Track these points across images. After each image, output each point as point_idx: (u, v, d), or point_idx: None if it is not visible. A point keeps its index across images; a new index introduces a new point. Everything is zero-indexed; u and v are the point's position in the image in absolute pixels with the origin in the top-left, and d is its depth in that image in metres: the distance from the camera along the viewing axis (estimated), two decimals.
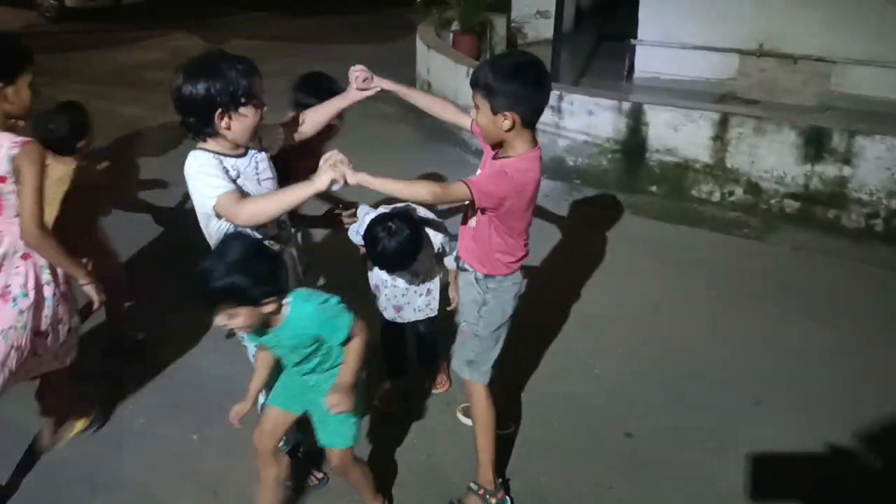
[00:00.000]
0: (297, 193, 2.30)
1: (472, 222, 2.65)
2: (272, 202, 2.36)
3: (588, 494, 2.99)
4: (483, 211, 2.53)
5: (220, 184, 2.33)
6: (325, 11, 13.58)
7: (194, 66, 2.35)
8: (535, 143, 2.51)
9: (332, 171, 2.24)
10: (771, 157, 5.35)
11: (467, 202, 2.53)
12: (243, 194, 2.39)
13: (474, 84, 2.45)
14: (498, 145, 2.54)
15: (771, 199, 5.41)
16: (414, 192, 2.42)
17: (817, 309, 4.28)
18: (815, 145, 5.19)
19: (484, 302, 2.71)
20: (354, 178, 2.26)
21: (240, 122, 2.37)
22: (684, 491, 3.02)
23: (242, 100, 2.34)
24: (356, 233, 3.08)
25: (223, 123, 2.36)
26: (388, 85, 2.80)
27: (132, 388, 3.54)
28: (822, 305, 4.33)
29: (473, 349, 2.78)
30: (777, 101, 6.77)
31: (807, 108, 6.54)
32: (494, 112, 2.41)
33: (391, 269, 3.02)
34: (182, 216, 4.76)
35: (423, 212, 3.10)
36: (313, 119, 2.82)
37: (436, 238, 3.08)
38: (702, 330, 4.09)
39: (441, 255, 3.14)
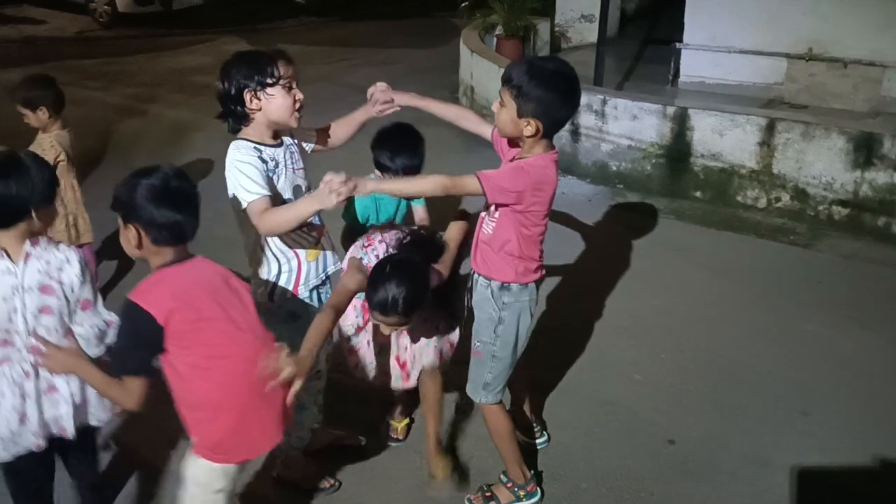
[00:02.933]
0: (306, 209, 2.46)
1: (488, 228, 2.62)
2: (285, 217, 2.49)
3: (629, 501, 2.98)
4: (497, 207, 2.53)
5: (255, 188, 2.47)
6: (374, 16, 13.71)
7: (228, 60, 2.58)
8: (552, 147, 2.52)
9: (332, 195, 2.31)
10: (819, 163, 5.27)
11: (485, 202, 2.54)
12: (273, 199, 2.51)
13: (507, 80, 2.43)
14: (514, 144, 2.56)
15: (819, 205, 5.32)
16: (421, 187, 2.53)
17: (866, 318, 4.20)
18: (864, 151, 5.09)
19: (500, 320, 2.66)
20: (364, 189, 2.38)
21: (269, 102, 2.53)
22: (728, 501, 2.99)
23: (268, 80, 2.51)
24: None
25: (254, 104, 2.53)
26: (406, 100, 2.86)
27: None
28: (872, 315, 4.24)
29: (491, 371, 2.73)
30: (826, 107, 6.64)
31: (857, 113, 6.41)
32: (520, 115, 2.41)
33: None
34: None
35: None
36: (340, 131, 2.95)
37: None
38: (747, 338, 4.04)
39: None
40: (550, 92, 2.38)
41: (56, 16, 13.22)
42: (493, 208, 2.58)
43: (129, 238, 2.10)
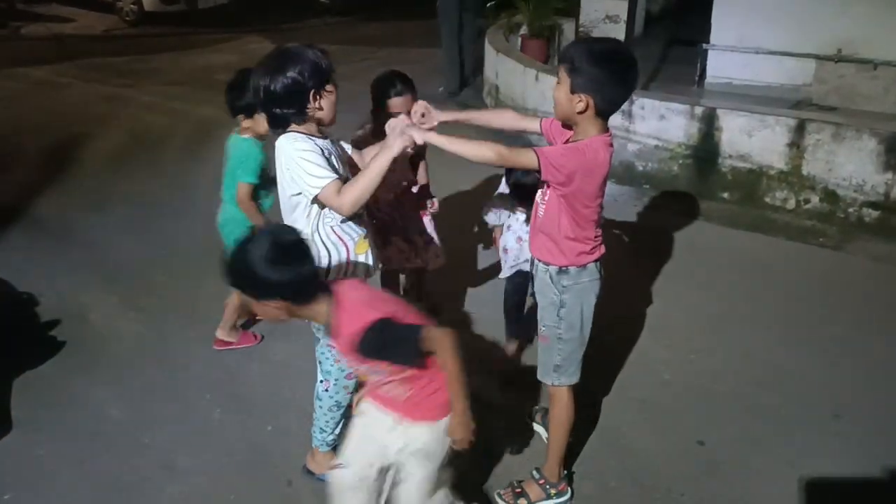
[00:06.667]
0: (380, 165, 2.45)
1: (541, 210, 2.64)
2: (365, 182, 2.46)
3: (659, 500, 2.96)
4: (547, 185, 2.54)
5: (324, 173, 2.45)
6: (398, 16, 13.73)
7: (277, 61, 2.49)
8: (606, 129, 2.52)
9: (401, 138, 2.43)
10: (849, 165, 5.22)
11: (537, 174, 2.53)
12: (343, 183, 2.49)
13: (563, 58, 2.49)
14: (568, 127, 2.57)
15: (849, 207, 5.27)
16: (479, 151, 2.46)
17: None
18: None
19: (562, 303, 2.69)
20: (422, 137, 2.44)
21: (327, 100, 2.54)
22: (758, 502, 2.97)
23: (327, 77, 2.50)
24: (493, 213, 3.54)
25: (317, 104, 2.51)
26: (445, 116, 2.85)
27: (208, 379, 3.65)
28: None
29: (560, 353, 2.76)
30: (856, 108, 6.57)
31: (888, 115, 6.32)
32: (573, 91, 2.43)
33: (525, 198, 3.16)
34: None
35: None
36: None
37: None
38: (776, 340, 4.00)
39: None
40: (602, 68, 2.41)
41: (84, 14, 13.40)
42: (544, 190, 2.60)
43: (276, 311, 2.17)
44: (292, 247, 2.13)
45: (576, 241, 2.59)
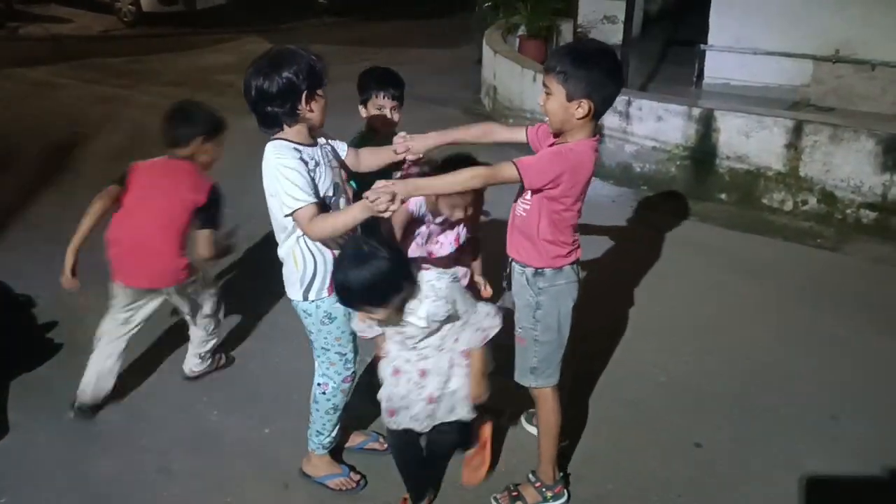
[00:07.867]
0: (355, 215, 2.46)
1: (520, 209, 2.63)
2: (335, 223, 2.50)
3: (656, 502, 2.96)
4: (533, 192, 2.52)
5: (302, 195, 2.45)
6: (396, 17, 13.73)
7: (272, 60, 2.49)
8: (594, 134, 2.52)
9: (383, 198, 2.32)
10: (847, 166, 5.22)
11: (522, 187, 2.53)
12: (320, 208, 2.49)
13: (551, 69, 2.45)
14: (557, 134, 2.56)
15: (847, 208, 5.28)
16: (460, 180, 2.46)
17: (895, 323, 4.14)
18: (894, 154, 5.04)
19: (538, 305, 2.68)
20: (402, 192, 2.37)
21: (318, 104, 2.54)
22: None
23: (320, 81, 2.51)
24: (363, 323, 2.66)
25: (308, 107, 2.50)
26: (425, 145, 2.80)
27: (205, 382, 3.65)
28: None
29: (536, 355, 2.75)
30: (853, 109, 6.59)
31: (885, 115, 6.34)
32: (569, 98, 2.41)
33: (346, 301, 2.48)
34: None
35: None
36: (369, 159, 2.89)
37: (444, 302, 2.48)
38: (774, 342, 4.01)
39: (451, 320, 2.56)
40: (596, 69, 2.41)
41: (81, 15, 13.40)
42: (526, 191, 2.59)
43: None
44: None
45: (553, 244, 2.59)
